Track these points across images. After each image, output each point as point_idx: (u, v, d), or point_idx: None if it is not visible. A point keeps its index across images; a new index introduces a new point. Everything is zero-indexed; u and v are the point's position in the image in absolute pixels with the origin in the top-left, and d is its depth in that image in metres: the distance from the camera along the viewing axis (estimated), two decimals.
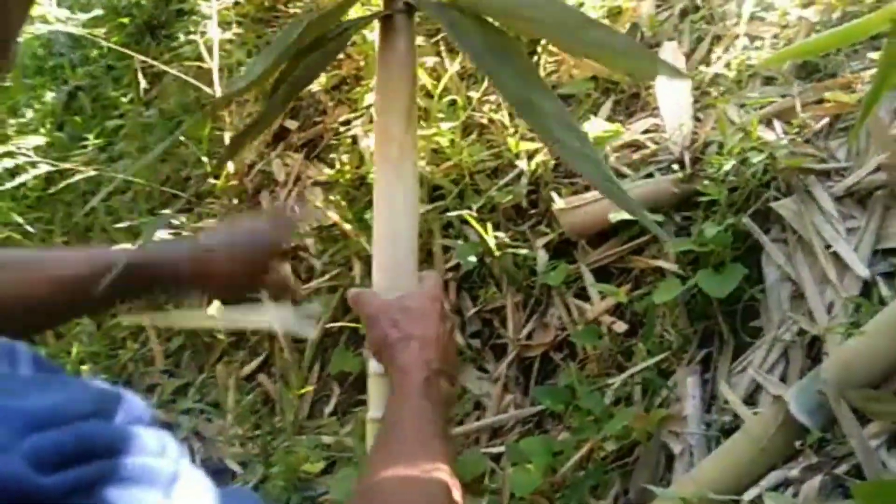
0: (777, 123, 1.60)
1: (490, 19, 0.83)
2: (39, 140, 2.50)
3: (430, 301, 0.77)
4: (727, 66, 1.78)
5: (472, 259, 1.77)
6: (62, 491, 0.33)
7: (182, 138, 2.40)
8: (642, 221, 0.80)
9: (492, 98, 2.01)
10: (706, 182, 1.55)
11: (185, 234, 2.27)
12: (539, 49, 2.00)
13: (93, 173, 2.32)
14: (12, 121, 2.71)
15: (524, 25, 0.89)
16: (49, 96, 2.89)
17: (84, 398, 0.38)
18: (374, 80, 0.91)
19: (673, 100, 1.75)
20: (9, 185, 2.41)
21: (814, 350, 1.35)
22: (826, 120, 1.56)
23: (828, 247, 1.41)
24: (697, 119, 1.73)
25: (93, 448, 0.36)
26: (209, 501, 0.40)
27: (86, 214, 2.57)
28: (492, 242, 1.74)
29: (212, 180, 2.31)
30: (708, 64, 1.82)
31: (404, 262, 0.81)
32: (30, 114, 2.79)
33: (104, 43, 2.77)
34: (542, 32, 0.91)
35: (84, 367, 2.18)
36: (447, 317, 0.78)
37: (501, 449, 1.58)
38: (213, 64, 2.29)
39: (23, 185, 2.50)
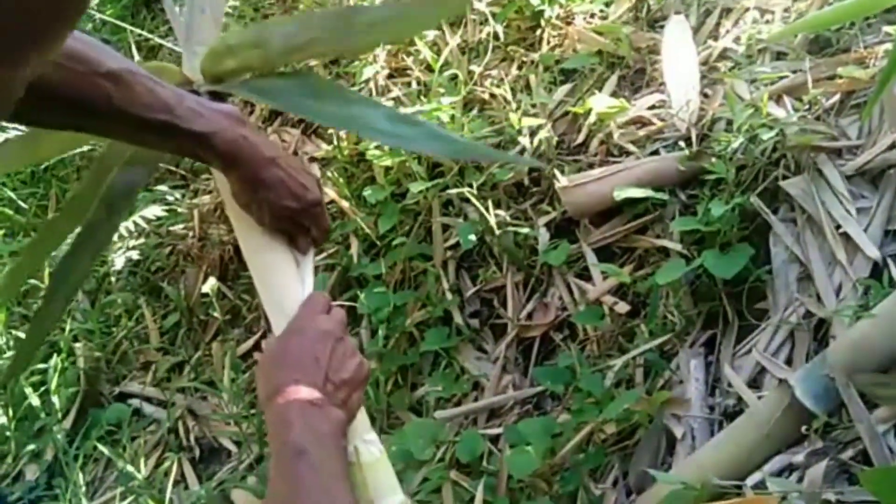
0: (787, 100, 1.56)
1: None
2: None
3: (295, 337, 0.73)
4: (736, 40, 1.73)
5: (472, 238, 1.73)
6: None
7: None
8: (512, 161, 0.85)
9: (493, 73, 1.96)
10: (713, 160, 1.51)
11: (180, 210, 2.24)
12: (542, 23, 1.95)
13: (86, 148, 2.28)
14: None
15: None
16: None
17: None
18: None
19: (680, 75, 1.71)
20: None
21: (821, 333, 1.32)
22: (838, 96, 1.51)
23: (837, 227, 1.37)
24: (705, 95, 1.68)
25: None
26: None
27: None
28: (492, 221, 1.70)
29: None
30: (716, 38, 1.77)
31: (285, 299, 0.78)
32: None
33: (98, 16, 2.71)
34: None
35: (78, 345, 2.15)
36: (326, 335, 0.73)
37: (500, 430, 1.55)
38: None
39: None
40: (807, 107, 1.52)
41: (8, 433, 2.04)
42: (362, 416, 0.74)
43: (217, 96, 0.88)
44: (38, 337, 1.01)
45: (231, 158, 0.78)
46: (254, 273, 0.82)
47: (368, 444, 0.72)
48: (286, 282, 0.80)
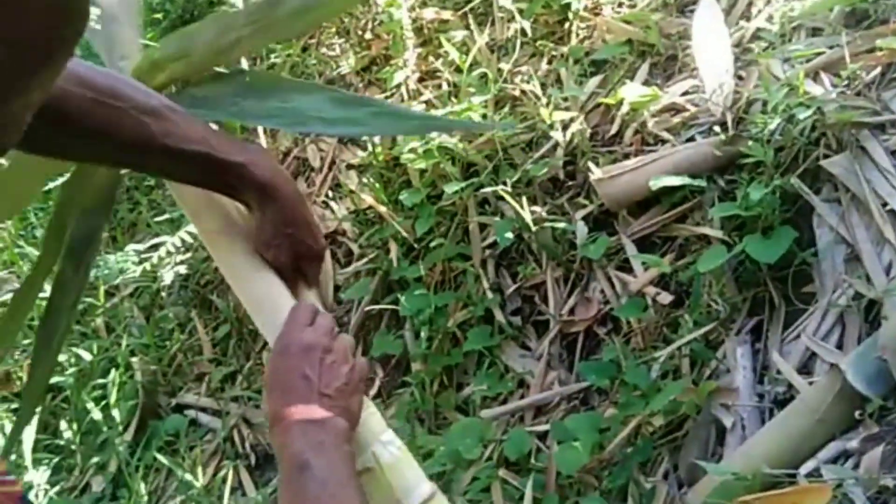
0: (825, 76, 1.52)
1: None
2: None
3: (280, 358, 0.71)
4: (769, 19, 1.69)
5: (510, 235, 1.73)
6: None
7: (215, 128, 2.41)
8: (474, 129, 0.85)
9: (523, 69, 1.96)
10: (751, 143, 1.47)
11: None
12: (570, 15, 1.93)
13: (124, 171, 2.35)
14: None
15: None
16: None
17: None
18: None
19: (712, 59, 1.67)
20: (52, 185, 2.45)
21: (872, 314, 1.28)
22: (878, 70, 1.46)
23: (884, 204, 1.33)
24: (739, 77, 1.65)
25: None
26: None
27: (130, 210, 2.61)
28: (528, 217, 1.70)
29: None
30: (748, 19, 1.73)
31: (274, 317, 0.75)
32: None
33: (139, 40, 2.78)
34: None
35: (135, 360, 2.22)
36: (310, 348, 0.70)
37: (546, 427, 1.55)
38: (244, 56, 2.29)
39: None
40: (846, 82, 1.48)
41: (73, 447, 2.12)
42: (376, 419, 0.73)
43: None
44: (31, 406, 0.98)
45: (270, 191, 0.76)
46: (243, 298, 0.80)
47: (387, 445, 0.72)
48: (278, 301, 0.77)
